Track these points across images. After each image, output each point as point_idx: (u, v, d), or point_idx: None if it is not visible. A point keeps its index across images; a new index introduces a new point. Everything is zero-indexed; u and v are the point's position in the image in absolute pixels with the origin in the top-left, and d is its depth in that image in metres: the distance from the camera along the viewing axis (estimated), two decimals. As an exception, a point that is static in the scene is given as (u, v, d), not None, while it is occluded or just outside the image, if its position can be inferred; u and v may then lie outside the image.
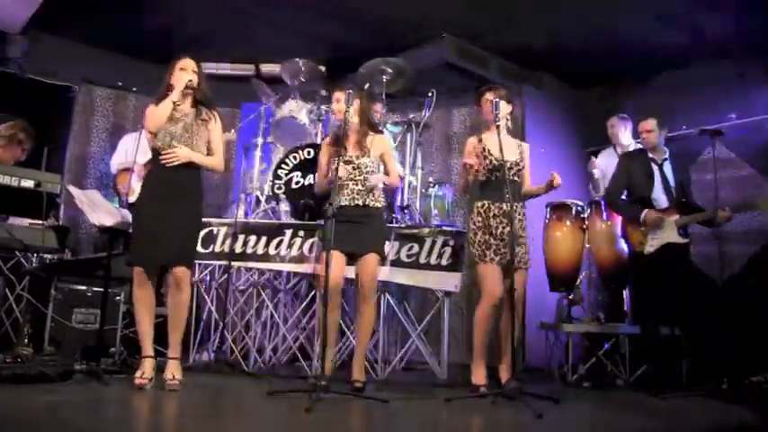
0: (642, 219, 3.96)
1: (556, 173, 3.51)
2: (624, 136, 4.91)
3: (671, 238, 3.90)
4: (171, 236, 3.21)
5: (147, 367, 3.20)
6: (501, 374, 3.57)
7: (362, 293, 3.57)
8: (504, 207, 3.53)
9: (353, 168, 3.58)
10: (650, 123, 4.04)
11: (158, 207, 3.24)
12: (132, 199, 4.91)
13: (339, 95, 3.64)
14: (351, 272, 3.68)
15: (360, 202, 3.58)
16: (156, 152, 3.31)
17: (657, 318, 3.92)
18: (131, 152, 5.00)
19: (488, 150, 3.59)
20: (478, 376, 3.55)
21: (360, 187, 3.58)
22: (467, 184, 3.64)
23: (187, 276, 3.29)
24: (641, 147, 4.21)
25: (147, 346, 3.25)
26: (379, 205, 3.66)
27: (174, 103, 3.27)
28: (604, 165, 4.98)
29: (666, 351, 3.88)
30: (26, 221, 3.55)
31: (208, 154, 3.39)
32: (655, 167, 4.08)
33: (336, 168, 3.43)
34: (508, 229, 3.49)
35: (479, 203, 3.62)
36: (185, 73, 3.32)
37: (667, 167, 4.07)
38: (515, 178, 3.60)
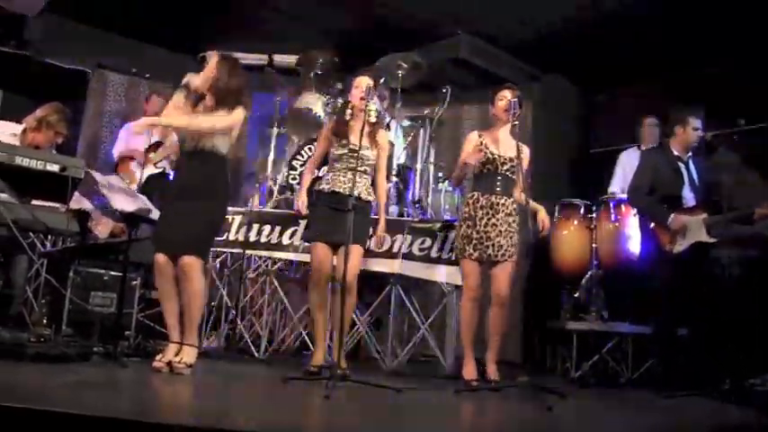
0: (669, 224, 3.86)
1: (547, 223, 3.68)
2: (656, 137, 4.97)
3: (701, 237, 3.79)
4: (184, 225, 3.25)
5: (168, 352, 3.26)
6: (487, 367, 3.62)
7: (349, 283, 3.52)
8: (493, 199, 3.60)
9: (357, 158, 3.54)
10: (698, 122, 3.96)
11: (181, 197, 3.29)
12: (134, 187, 4.99)
13: (359, 82, 3.66)
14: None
15: (356, 193, 3.54)
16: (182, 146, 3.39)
17: (676, 317, 3.93)
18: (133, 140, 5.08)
19: (485, 144, 3.64)
20: (468, 371, 3.60)
21: (358, 179, 3.57)
22: (461, 178, 3.72)
23: (193, 266, 3.22)
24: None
25: (172, 333, 3.30)
26: (371, 199, 3.71)
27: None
28: (629, 164, 5.00)
29: (678, 351, 3.93)
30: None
31: None
32: (681, 165, 3.99)
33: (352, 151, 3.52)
34: (492, 221, 3.56)
35: (469, 194, 3.68)
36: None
37: (692, 166, 4.01)
38: (508, 174, 3.65)
